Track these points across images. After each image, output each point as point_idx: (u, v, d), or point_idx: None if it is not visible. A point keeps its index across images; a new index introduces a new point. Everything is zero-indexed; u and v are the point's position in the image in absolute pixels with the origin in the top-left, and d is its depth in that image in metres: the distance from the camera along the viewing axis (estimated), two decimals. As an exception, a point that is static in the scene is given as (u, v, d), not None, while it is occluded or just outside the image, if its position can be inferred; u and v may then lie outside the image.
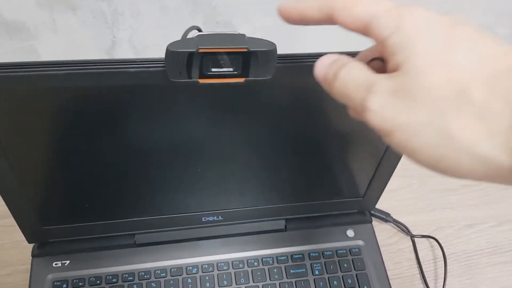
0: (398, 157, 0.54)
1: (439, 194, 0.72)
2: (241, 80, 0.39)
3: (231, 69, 0.38)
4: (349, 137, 0.52)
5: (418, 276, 0.63)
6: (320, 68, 0.29)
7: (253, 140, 0.50)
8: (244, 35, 0.37)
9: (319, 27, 0.30)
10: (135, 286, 0.56)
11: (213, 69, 0.38)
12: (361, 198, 0.61)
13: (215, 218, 0.58)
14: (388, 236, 0.66)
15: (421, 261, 0.64)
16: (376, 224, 0.67)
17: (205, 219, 0.58)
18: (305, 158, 0.54)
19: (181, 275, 0.57)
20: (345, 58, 0.29)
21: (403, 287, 0.62)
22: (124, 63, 0.38)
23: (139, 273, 0.57)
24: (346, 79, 0.27)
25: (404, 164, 0.72)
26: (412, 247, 0.66)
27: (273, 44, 0.37)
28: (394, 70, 0.25)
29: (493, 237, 0.68)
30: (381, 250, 0.64)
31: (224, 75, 0.38)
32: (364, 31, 0.27)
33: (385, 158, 0.54)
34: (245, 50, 0.37)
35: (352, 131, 0.51)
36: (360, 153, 0.55)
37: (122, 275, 0.56)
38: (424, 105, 0.23)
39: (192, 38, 0.37)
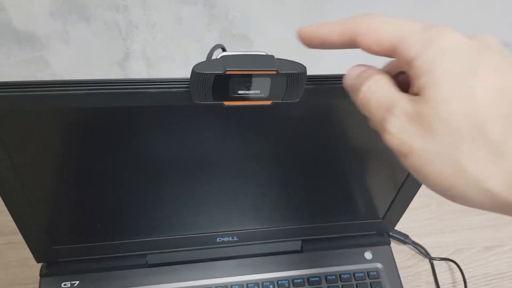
0: (421, 180, 0.52)
1: (458, 214, 0.70)
2: (268, 103, 0.37)
3: (258, 91, 0.36)
4: (372, 158, 0.51)
5: (438, 300, 0.61)
6: (348, 79, 0.29)
7: (274, 161, 0.48)
8: (272, 56, 0.35)
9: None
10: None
11: (239, 92, 0.36)
12: (381, 220, 0.59)
13: (230, 238, 0.56)
14: (406, 258, 0.64)
15: (440, 285, 0.62)
16: (394, 245, 0.65)
17: (220, 239, 0.56)
18: (326, 180, 0.52)
19: (194, 298, 0.55)
20: (372, 70, 0.28)
21: (422, 312, 0.60)
22: (146, 83, 0.36)
23: (150, 295, 0.54)
24: (367, 94, 0.27)
25: (422, 183, 0.71)
26: (430, 270, 0.64)
27: (303, 67, 0.35)
28: (417, 93, 0.24)
29: (514, 260, 0.66)
30: (401, 272, 0.62)
31: (250, 98, 0.37)
32: (390, 54, 0.26)
33: (408, 180, 0.53)
34: (274, 72, 0.35)
35: (375, 153, 0.50)
36: (383, 175, 0.53)
37: (133, 297, 0.54)
38: (439, 134, 0.23)
39: (217, 59, 0.35)
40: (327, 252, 0.61)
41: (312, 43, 0.29)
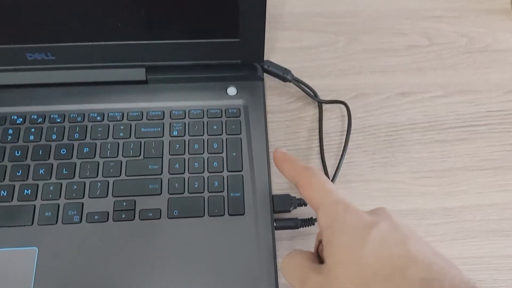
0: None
1: (373, 54, 0.55)
2: None
3: None
4: None
5: (317, 149, 0.49)
6: None
7: None
8: None
9: None
10: None
11: None
12: (238, 40, 0.46)
13: (44, 56, 0.46)
14: (289, 101, 0.52)
15: (326, 132, 0.50)
16: (277, 86, 0.52)
17: (30, 56, 0.46)
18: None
19: (2, 124, 0.46)
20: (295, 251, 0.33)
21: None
22: None
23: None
24: (287, 269, 0.33)
25: (332, 16, 0.56)
26: (317, 116, 0.51)
27: None
28: (324, 261, 0.30)
29: (434, 109, 0.52)
30: (276, 117, 0.50)
31: None
32: (316, 212, 0.32)
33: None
34: None
35: None
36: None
37: None
38: None
39: None
40: (179, 85, 0.49)
41: (277, 167, 0.37)
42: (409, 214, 0.45)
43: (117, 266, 0.40)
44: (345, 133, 0.49)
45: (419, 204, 0.46)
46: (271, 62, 0.50)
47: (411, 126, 0.50)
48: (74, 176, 0.44)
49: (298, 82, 0.51)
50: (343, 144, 0.48)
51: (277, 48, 0.55)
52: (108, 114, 0.47)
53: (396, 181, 0.47)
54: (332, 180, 0.45)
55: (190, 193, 0.44)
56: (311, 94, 0.51)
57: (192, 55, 0.48)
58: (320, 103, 0.51)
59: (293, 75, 0.50)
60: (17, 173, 0.44)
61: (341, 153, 0.48)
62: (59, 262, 0.40)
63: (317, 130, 0.50)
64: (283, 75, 0.50)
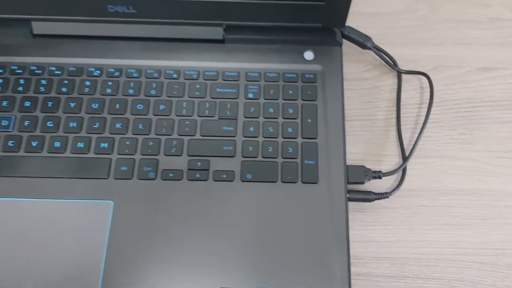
0: None
1: (454, 25, 0.53)
2: None
3: None
4: None
5: (393, 121, 0.48)
6: None
7: None
8: None
9: None
10: (22, 80, 0.46)
11: None
12: (323, 3, 0.44)
13: (126, 9, 0.45)
14: (366, 69, 0.50)
15: (402, 103, 0.48)
16: (354, 53, 0.51)
17: (112, 8, 0.45)
18: None
19: (79, 76, 0.46)
20: None
21: (368, 131, 0.47)
22: None
23: (30, 67, 0.46)
24: None
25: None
26: (395, 86, 0.49)
27: None
28: None
29: (516, 87, 0.49)
30: (352, 85, 0.49)
31: None
32: None
33: None
34: None
35: None
36: None
37: (10, 67, 0.46)
38: None
39: None
40: (255, 46, 0.48)
41: None
42: (484, 194, 0.44)
43: (189, 225, 0.40)
44: (422, 106, 0.48)
45: (495, 184, 0.45)
46: (351, 28, 0.48)
47: (491, 103, 0.49)
48: (150, 133, 0.44)
49: (378, 50, 0.49)
50: (421, 117, 0.47)
51: (354, 12, 0.53)
52: (184, 72, 0.47)
53: (473, 159, 0.46)
54: (409, 155, 0.44)
55: (263, 157, 0.43)
56: (391, 63, 0.49)
57: (273, 16, 0.46)
58: (400, 73, 0.49)
59: (373, 43, 0.49)
60: (94, 126, 0.44)
61: (418, 126, 0.47)
62: (133, 217, 0.41)
63: (394, 101, 0.48)
64: (363, 42, 0.48)
